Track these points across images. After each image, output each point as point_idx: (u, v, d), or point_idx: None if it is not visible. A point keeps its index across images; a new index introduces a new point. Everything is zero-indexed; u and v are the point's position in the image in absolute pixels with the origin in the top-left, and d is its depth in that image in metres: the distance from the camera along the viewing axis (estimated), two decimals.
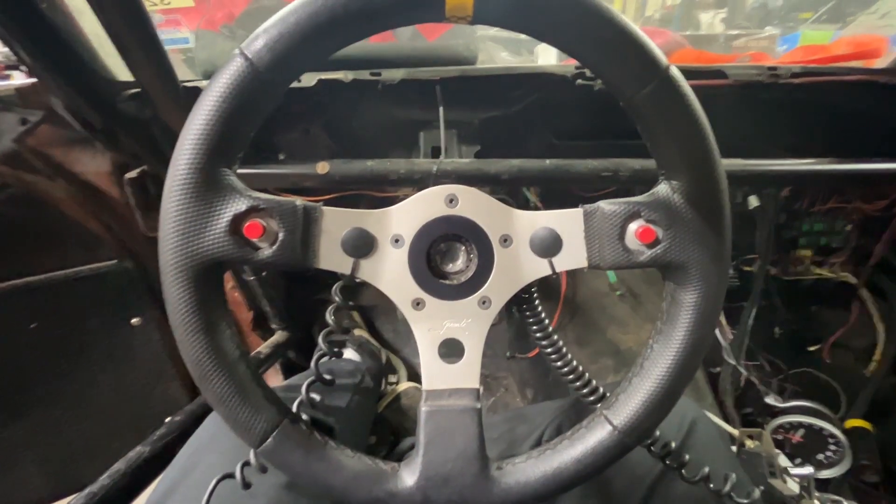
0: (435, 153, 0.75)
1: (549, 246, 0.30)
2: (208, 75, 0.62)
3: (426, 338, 0.30)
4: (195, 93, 0.57)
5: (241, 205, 0.26)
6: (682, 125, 0.26)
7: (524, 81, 0.69)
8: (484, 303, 0.30)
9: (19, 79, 0.59)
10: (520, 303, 0.36)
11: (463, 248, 0.31)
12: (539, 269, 0.30)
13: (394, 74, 0.64)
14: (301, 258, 0.27)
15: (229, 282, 0.81)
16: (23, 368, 0.66)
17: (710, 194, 0.28)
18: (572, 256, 0.30)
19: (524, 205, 0.92)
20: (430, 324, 0.30)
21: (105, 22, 0.42)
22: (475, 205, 0.30)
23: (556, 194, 0.92)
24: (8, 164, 0.59)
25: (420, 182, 0.64)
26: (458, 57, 0.66)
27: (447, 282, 0.30)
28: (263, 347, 0.79)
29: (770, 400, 0.87)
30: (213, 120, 0.24)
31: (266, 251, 0.27)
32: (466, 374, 0.29)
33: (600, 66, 0.26)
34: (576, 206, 0.31)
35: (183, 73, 0.56)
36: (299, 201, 0.28)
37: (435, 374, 0.29)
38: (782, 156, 0.72)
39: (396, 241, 0.29)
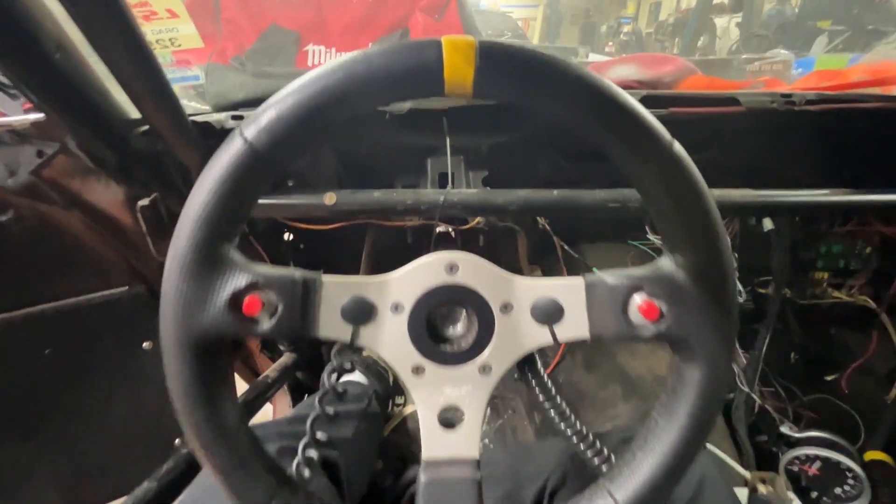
0: (442, 180, 0.75)
1: (551, 314, 0.29)
2: (219, 108, 0.63)
3: (425, 404, 0.30)
4: (203, 127, 0.58)
5: (240, 280, 0.26)
6: (685, 202, 0.26)
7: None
8: (485, 369, 0.30)
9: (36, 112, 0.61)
10: (522, 368, 0.36)
11: (464, 311, 0.30)
12: (540, 337, 0.30)
13: (401, 105, 0.64)
14: (300, 328, 0.28)
15: None
16: (38, 392, 0.67)
17: (715, 271, 0.27)
18: (574, 326, 0.30)
19: (532, 227, 0.91)
20: (430, 390, 0.30)
21: (113, 67, 0.43)
22: (476, 272, 0.29)
23: (565, 221, 0.92)
24: (25, 196, 0.60)
25: (426, 212, 0.64)
26: None
27: (447, 347, 0.30)
28: (271, 371, 0.80)
29: (785, 429, 0.85)
30: (213, 201, 0.25)
31: (265, 324, 0.27)
32: (466, 442, 0.29)
33: (603, 141, 0.25)
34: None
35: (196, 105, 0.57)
36: (298, 273, 0.28)
37: (434, 442, 0.29)
38: (797, 183, 0.70)
39: (396, 308, 0.29)
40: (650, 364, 0.81)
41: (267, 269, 0.27)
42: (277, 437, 0.52)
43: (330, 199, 0.62)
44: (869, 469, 0.78)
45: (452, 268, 0.29)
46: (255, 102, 0.61)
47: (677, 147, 0.25)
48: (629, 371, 0.81)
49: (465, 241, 0.78)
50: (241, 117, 0.58)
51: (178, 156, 0.55)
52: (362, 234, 0.88)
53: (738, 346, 0.92)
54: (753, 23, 3.06)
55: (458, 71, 0.23)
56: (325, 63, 0.26)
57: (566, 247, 0.88)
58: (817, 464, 0.78)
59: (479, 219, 0.76)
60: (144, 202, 0.65)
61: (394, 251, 1.05)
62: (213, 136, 0.58)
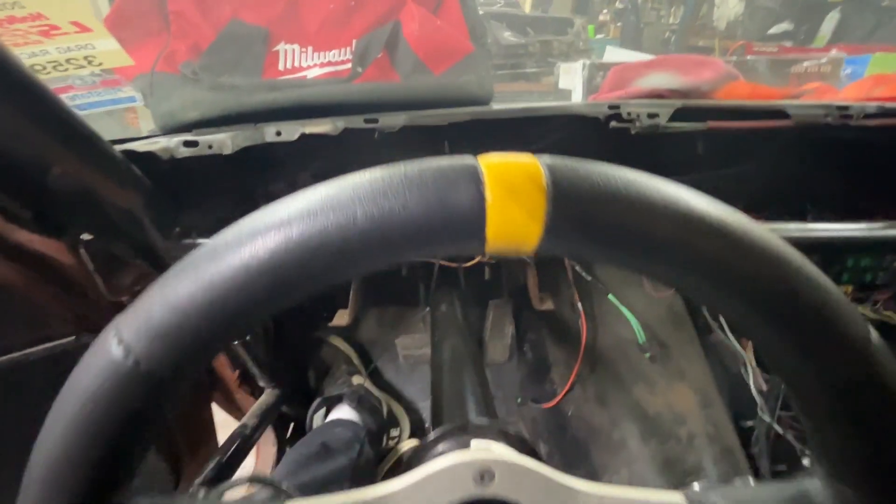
0: None
1: None
2: (168, 129, 0.51)
3: None
4: (146, 158, 0.47)
5: None
6: (878, 429, 0.16)
7: (547, 122, 0.58)
8: None
9: None
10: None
11: None
12: None
13: (393, 121, 0.53)
14: None
15: None
16: None
17: None
18: None
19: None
20: None
21: None
22: (521, 483, 0.20)
23: None
24: None
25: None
26: (471, 96, 0.55)
27: None
28: (250, 417, 0.71)
29: (807, 461, 0.80)
30: (80, 444, 0.15)
31: None
32: None
33: (751, 331, 0.16)
34: None
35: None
36: None
37: None
38: (850, 205, 0.62)
39: None
40: (670, 400, 0.74)
41: None
42: None
43: None
44: None
45: (484, 476, 0.19)
46: (212, 122, 0.50)
47: (875, 340, 0.16)
48: (646, 407, 0.74)
49: (469, 275, 0.69)
50: (194, 143, 0.46)
51: (111, 198, 0.44)
52: None
53: (758, 369, 0.86)
54: None
55: (514, 232, 0.13)
56: (267, 207, 0.16)
57: (578, 268, 0.80)
58: None
59: None
60: (87, 236, 0.55)
61: (386, 286, 0.95)
62: (160, 168, 0.47)
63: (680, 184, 0.15)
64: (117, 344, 0.15)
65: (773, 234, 0.15)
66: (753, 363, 0.89)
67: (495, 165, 0.14)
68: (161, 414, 0.17)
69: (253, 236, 0.14)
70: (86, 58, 0.33)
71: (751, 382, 0.85)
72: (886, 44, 1.97)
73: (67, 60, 0.33)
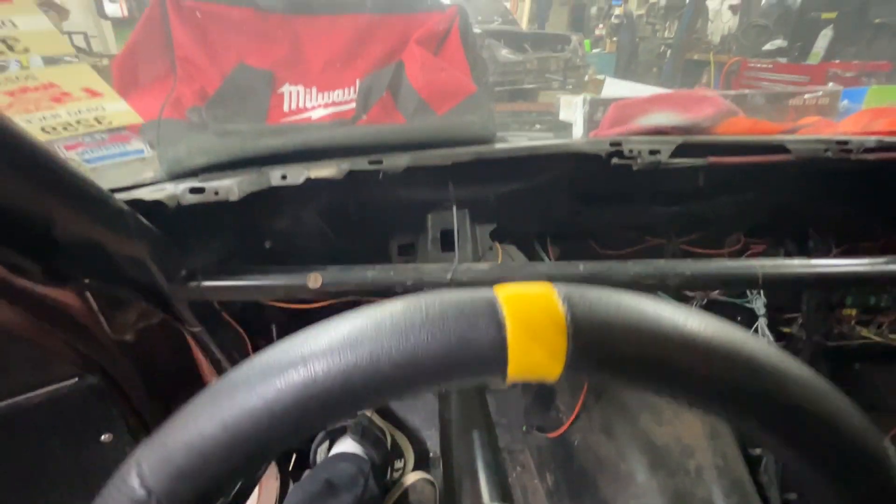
0: (445, 237, 0.65)
1: None
2: (175, 175, 0.52)
3: None
4: (152, 207, 0.47)
5: None
6: None
7: (550, 160, 0.59)
8: None
9: None
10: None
11: None
12: None
13: (397, 162, 0.53)
14: None
15: None
16: None
17: None
18: None
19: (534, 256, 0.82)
20: None
21: None
22: None
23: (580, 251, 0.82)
24: None
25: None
26: (474, 136, 0.55)
27: None
28: None
29: None
30: None
31: None
32: None
33: (773, 451, 0.16)
34: None
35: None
36: None
37: None
38: (849, 232, 0.62)
39: None
40: (677, 431, 0.73)
41: None
42: None
43: (315, 280, 0.52)
44: None
45: None
46: (218, 167, 0.50)
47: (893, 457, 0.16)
48: (654, 439, 0.73)
49: None
50: (201, 190, 0.47)
51: (117, 249, 0.44)
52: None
53: None
54: (752, 11, 2.95)
55: (536, 369, 0.13)
56: (289, 341, 0.16)
57: None
58: None
59: None
60: (87, 281, 0.55)
61: None
62: (165, 213, 0.47)
63: (692, 309, 0.15)
64: (140, 485, 0.15)
65: (783, 354, 0.15)
66: None
67: (513, 299, 0.14)
68: None
69: (274, 375, 0.14)
70: (96, 118, 0.34)
71: None
72: (879, 60, 1.99)
73: (78, 122, 0.34)
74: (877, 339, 0.90)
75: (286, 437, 0.14)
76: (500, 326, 0.13)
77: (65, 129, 0.34)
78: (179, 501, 0.14)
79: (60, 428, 0.59)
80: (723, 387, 0.14)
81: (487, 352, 0.14)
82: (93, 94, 0.33)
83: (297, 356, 0.14)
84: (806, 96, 0.80)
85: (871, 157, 0.58)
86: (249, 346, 0.69)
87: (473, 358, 0.14)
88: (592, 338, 0.14)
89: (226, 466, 0.14)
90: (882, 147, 0.58)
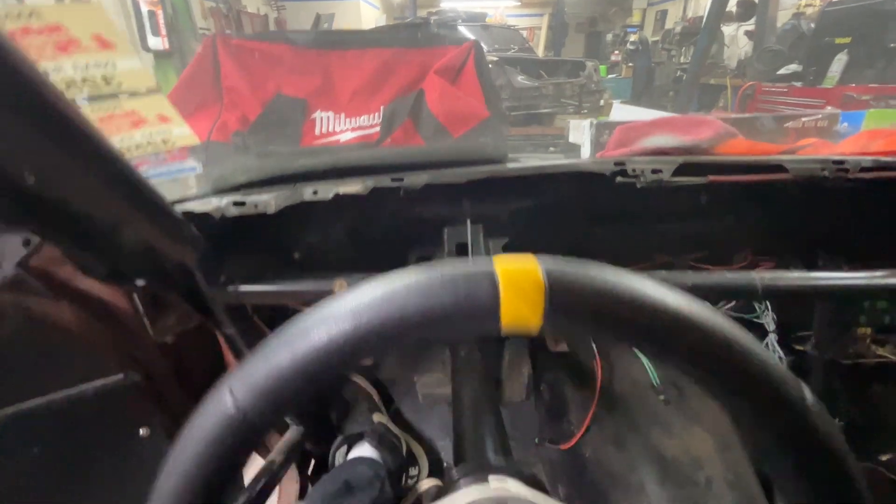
0: (460, 250, 0.70)
1: None
2: (219, 190, 0.58)
3: None
4: (200, 217, 0.53)
5: None
6: (816, 465, 0.20)
7: (558, 179, 0.63)
8: None
9: None
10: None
11: None
12: None
13: (417, 180, 0.59)
14: None
15: None
16: (27, 496, 0.62)
17: None
18: None
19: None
20: None
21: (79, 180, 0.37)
22: None
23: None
24: (10, 291, 0.56)
25: None
26: (487, 157, 0.60)
27: None
28: (276, 454, 0.74)
29: None
30: (200, 464, 0.19)
31: None
32: None
33: (712, 389, 0.20)
34: None
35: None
36: None
37: None
38: (852, 259, 0.64)
39: None
40: (687, 444, 0.74)
41: None
42: None
43: (340, 286, 0.57)
44: None
45: None
46: (258, 185, 0.56)
47: (811, 402, 0.19)
48: (663, 452, 0.74)
49: None
50: (242, 203, 0.53)
51: (170, 253, 0.50)
52: None
53: None
54: (767, 37, 2.99)
55: (520, 321, 0.18)
56: (340, 296, 0.20)
57: None
58: None
59: None
60: (141, 282, 0.61)
61: None
62: (211, 226, 0.53)
63: (648, 276, 0.19)
64: (230, 398, 0.19)
65: (719, 314, 0.19)
66: None
67: (506, 268, 0.18)
68: (251, 450, 0.21)
69: (331, 321, 0.19)
70: (104, 77, 0.36)
71: None
72: (895, 83, 1.99)
73: (83, 80, 0.36)
74: (893, 358, 0.89)
75: (339, 366, 0.19)
76: (495, 287, 0.18)
77: (137, 148, 0.40)
78: (259, 413, 0.19)
79: (106, 420, 0.64)
80: (656, 331, 0.18)
81: (486, 306, 0.18)
82: (104, 44, 0.36)
83: (348, 308, 0.19)
84: (804, 119, 0.83)
85: (867, 175, 0.60)
86: None
87: (476, 310, 0.18)
88: (564, 297, 0.18)
89: (295, 387, 0.19)
90: (878, 166, 0.60)
